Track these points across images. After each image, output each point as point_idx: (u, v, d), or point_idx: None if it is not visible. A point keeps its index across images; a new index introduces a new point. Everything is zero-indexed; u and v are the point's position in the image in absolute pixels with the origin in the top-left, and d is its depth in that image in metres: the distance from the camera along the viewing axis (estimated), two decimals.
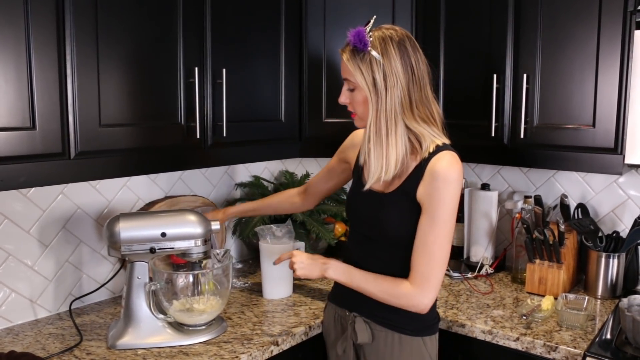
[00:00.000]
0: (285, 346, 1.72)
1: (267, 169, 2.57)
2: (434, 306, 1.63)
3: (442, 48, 2.14)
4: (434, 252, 1.47)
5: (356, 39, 1.45)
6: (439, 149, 1.50)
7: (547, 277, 2.03)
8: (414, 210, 1.50)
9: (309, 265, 1.60)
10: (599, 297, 2.04)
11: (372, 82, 1.46)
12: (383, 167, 1.49)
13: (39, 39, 1.39)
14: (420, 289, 1.48)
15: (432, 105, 1.53)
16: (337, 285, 1.71)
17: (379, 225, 1.56)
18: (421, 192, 1.49)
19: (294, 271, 1.61)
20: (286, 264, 1.71)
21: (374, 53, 1.45)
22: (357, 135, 1.76)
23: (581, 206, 2.19)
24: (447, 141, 1.54)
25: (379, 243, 1.55)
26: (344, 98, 1.55)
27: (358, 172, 1.66)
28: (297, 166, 2.71)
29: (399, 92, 1.46)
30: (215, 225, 1.71)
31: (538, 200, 2.26)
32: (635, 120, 1.77)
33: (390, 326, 1.58)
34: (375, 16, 1.50)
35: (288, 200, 1.98)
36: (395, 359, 1.57)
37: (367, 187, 1.54)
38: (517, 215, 2.24)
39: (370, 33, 1.46)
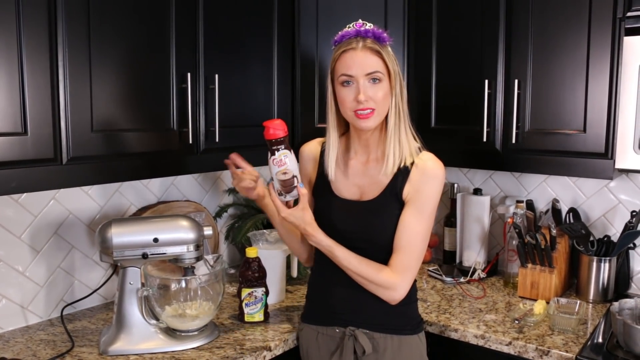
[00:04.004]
0: (277, 351, 1.71)
1: (260, 175, 2.57)
2: (417, 304, 1.67)
3: (434, 54, 2.15)
4: (417, 244, 1.52)
5: (375, 33, 1.48)
6: (419, 150, 1.57)
7: (539, 281, 2.04)
8: (401, 211, 1.53)
9: (296, 220, 1.50)
10: (591, 301, 2.05)
11: (394, 74, 1.50)
12: (401, 155, 1.53)
13: (31, 44, 1.38)
14: (401, 278, 1.51)
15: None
16: (316, 305, 1.70)
17: (370, 234, 1.56)
18: (407, 190, 1.53)
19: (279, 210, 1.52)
20: (278, 264, 1.68)
21: (390, 49, 1.51)
22: (310, 149, 1.71)
23: (572, 210, 2.20)
24: (419, 144, 1.59)
25: (366, 251, 1.54)
26: (370, 92, 1.47)
27: (324, 184, 1.63)
28: None
29: (405, 89, 1.55)
30: (208, 231, 1.70)
31: (530, 205, 2.27)
32: (626, 125, 1.79)
33: (390, 330, 1.58)
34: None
35: None
36: None
37: (381, 175, 1.54)
38: (509, 219, 2.24)
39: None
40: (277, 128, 1.46)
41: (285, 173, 1.47)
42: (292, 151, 1.49)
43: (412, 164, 1.54)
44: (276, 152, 1.47)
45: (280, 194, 1.50)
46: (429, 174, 1.53)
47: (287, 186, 1.48)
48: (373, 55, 1.47)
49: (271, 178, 1.51)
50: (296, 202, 1.52)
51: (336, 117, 1.59)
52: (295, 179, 1.48)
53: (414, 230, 1.51)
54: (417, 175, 1.53)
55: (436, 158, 1.56)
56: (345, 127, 1.63)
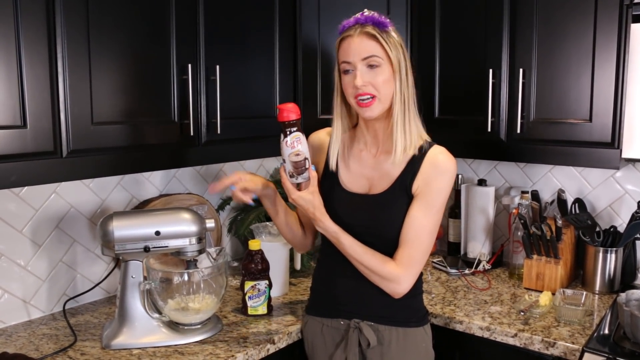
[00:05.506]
0: (281, 344, 1.70)
1: (262, 166, 2.56)
2: (422, 296, 1.66)
3: (438, 43, 2.13)
4: (424, 238, 1.51)
5: (375, 19, 1.46)
6: (429, 144, 1.54)
7: (544, 272, 2.03)
8: (410, 205, 1.51)
9: (306, 204, 1.50)
10: (597, 292, 2.03)
11: (397, 59, 1.48)
12: (408, 142, 1.51)
13: (29, 36, 1.37)
14: (406, 272, 1.50)
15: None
16: (320, 297, 1.69)
17: (379, 228, 1.54)
18: (417, 184, 1.51)
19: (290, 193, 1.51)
20: (282, 257, 1.65)
21: (394, 34, 1.48)
22: (319, 138, 1.69)
23: (578, 201, 2.18)
24: (429, 138, 1.57)
25: (374, 245, 1.53)
26: (367, 77, 1.46)
27: (331, 176, 1.62)
28: None
29: (412, 77, 1.51)
30: (210, 224, 1.69)
31: (535, 196, 2.25)
32: (632, 114, 1.76)
33: (395, 323, 1.58)
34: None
35: None
36: (408, 352, 1.57)
37: (389, 164, 1.53)
38: (514, 210, 2.23)
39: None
40: (290, 111, 1.48)
41: (297, 155, 1.49)
42: (304, 134, 1.50)
43: (423, 157, 1.51)
44: (289, 134, 1.48)
45: (291, 176, 1.51)
46: (440, 168, 1.50)
47: (299, 168, 1.50)
48: (369, 40, 1.45)
49: (283, 160, 1.51)
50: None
51: (341, 107, 1.58)
52: (307, 161, 1.50)
53: (421, 224, 1.50)
54: (427, 169, 1.51)
55: (448, 152, 1.53)
56: (356, 118, 1.62)
